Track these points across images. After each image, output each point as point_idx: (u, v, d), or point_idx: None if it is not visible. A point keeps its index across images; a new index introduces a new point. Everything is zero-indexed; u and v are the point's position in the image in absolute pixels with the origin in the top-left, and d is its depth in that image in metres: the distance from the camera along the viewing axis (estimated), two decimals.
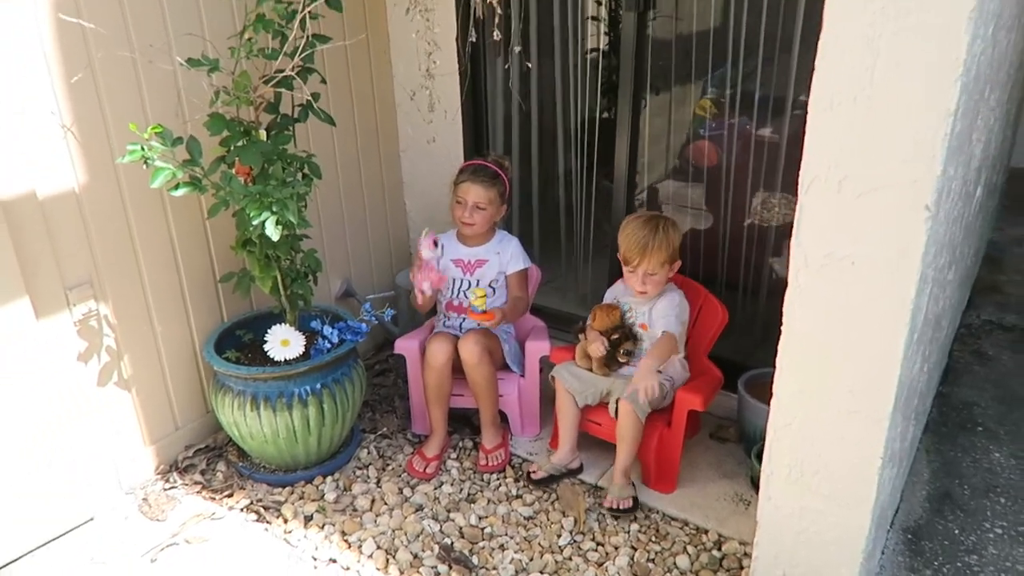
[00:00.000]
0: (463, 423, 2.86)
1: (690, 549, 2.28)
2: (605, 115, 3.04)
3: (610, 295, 2.64)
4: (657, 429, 2.49)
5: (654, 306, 2.49)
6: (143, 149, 1.96)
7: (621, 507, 2.41)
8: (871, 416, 1.70)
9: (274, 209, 1.98)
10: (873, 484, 1.76)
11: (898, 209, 1.52)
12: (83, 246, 2.28)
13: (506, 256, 2.74)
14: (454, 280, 2.76)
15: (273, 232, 1.99)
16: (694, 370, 2.62)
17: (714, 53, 2.70)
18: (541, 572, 2.19)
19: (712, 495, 2.51)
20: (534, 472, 2.56)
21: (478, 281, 2.74)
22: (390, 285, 3.38)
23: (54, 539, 2.32)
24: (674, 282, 2.59)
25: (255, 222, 1.99)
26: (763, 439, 1.91)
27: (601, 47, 3.29)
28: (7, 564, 2.22)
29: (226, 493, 2.52)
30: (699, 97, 2.89)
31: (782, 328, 1.76)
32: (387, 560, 2.24)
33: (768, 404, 1.87)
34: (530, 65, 2.93)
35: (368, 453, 2.73)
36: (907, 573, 2.19)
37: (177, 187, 2.05)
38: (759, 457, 2.01)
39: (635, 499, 2.43)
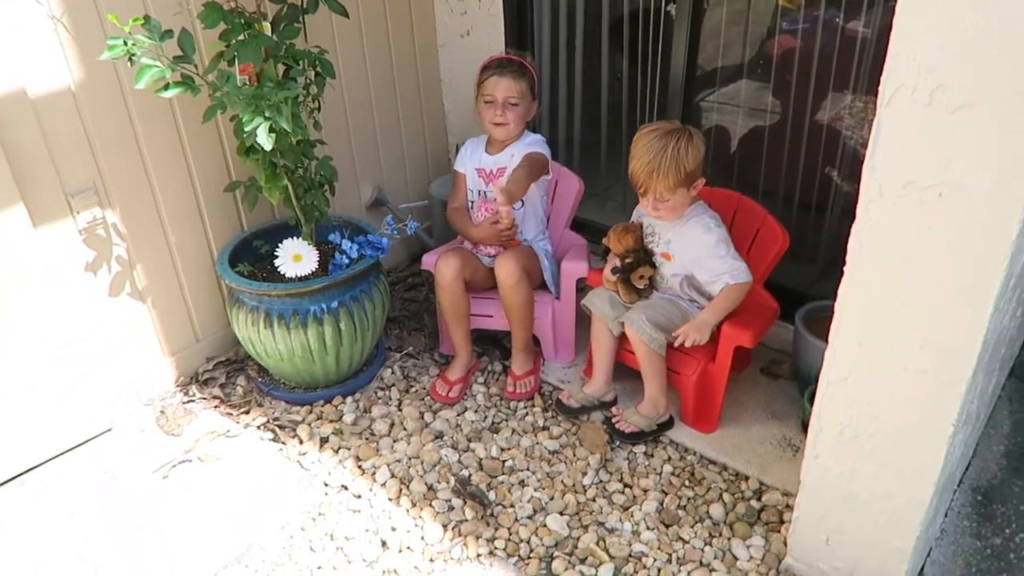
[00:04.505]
0: (493, 345, 2.69)
1: (726, 497, 2.09)
2: (667, 5, 2.66)
3: (638, 211, 2.36)
4: (700, 363, 2.26)
5: (683, 237, 2.19)
6: (126, 43, 1.75)
7: (623, 430, 2.26)
8: (945, 378, 1.43)
9: (267, 115, 1.76)
10: (940, 454, 1.50)
11: (1004, 129, 1.20)
12: (83, 150, 2.13)
13: (520, 153, 2.44)
14: (478, 193, 2.53)
15: (265, 141, 1.78)
16: (747, 299, 2.35)
17: None
18: (560, 513, 2.04)
19: (757, 438, 2.29)
20: (565, 399, 2.39)
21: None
22: (424, 194, 3.16)
23: (72, 448, 2.30)
24: (718, 201, 2.27)
25: (247, 129, 1.78)
26: (818, 381, 1.66)
27: None
28: (26, 472, 2.21)
29: (243, 410, 2.44)
30: None
31: (844, 268, 1.48)
32: (400, 490, 2.13)
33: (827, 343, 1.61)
34: None
35: (392, 373, 2.60)
36: (972, 539, 1.95)
37: (167, 87, 1.85)
38: (812, 400, 1.76)
39: (643, 432, 2.26)
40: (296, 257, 2.26)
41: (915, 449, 1.53)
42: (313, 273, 2.30)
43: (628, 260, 2.25)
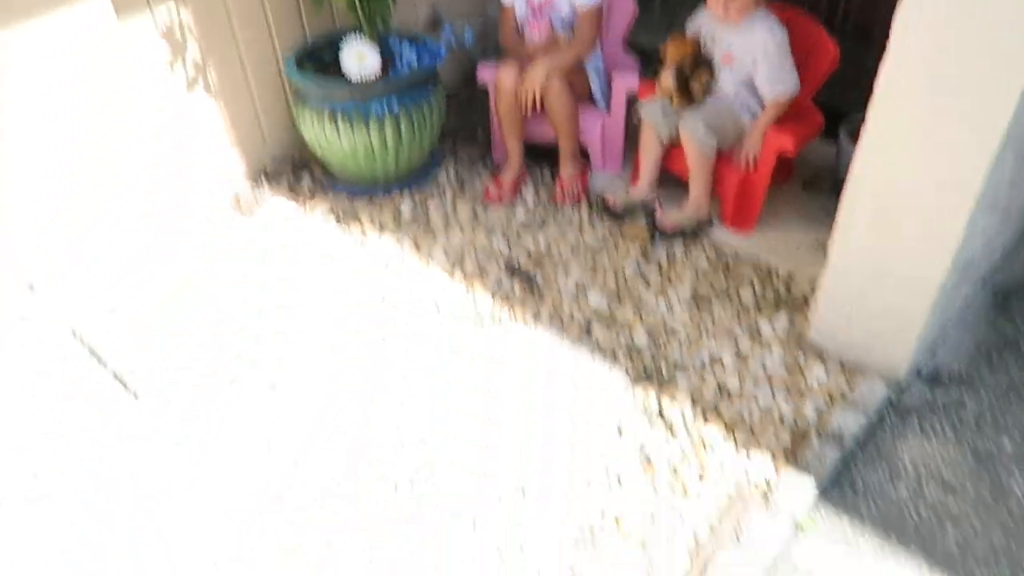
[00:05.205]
0: (544, 158, 2.81)
1: (756, 286, 2.25)
2: None
3: (693, 24, 2.41)
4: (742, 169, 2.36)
5: (747, 39, 2.25)
6: None
7: (664, 225, 2.39)
8: (974, 152, 1.52)
9: None
10: (961, 225, 1.62)
11: None
12: None
13: None
14: (528, 19, 2.58)
15: None
16: (794, 111, 2.41)
17: None
18: (601, 291, 2.23)
19: (793, 242, 2.41)
20: (610, 201, 2.52)
21: (548, 18, 2.56)
22: (481, 13, 3.20)
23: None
24: (779, 17, 2.29)
25: None
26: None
27: None
28: None
29: (310, 198, 2.64)
30: None
31: (886, 52, 1.55)
32: (454, 268, 2.33)
33: None
34: None
35: (446, 177, 2.76)
36: (986, 327, 2.09)
37: None
38: None
39: (683, 230, 2.40)
40: (360, 56, 2.37)
41: (940, 220, 1.65)
42: (376, 78, 2.42)
43: (689, 64, 2.32)
